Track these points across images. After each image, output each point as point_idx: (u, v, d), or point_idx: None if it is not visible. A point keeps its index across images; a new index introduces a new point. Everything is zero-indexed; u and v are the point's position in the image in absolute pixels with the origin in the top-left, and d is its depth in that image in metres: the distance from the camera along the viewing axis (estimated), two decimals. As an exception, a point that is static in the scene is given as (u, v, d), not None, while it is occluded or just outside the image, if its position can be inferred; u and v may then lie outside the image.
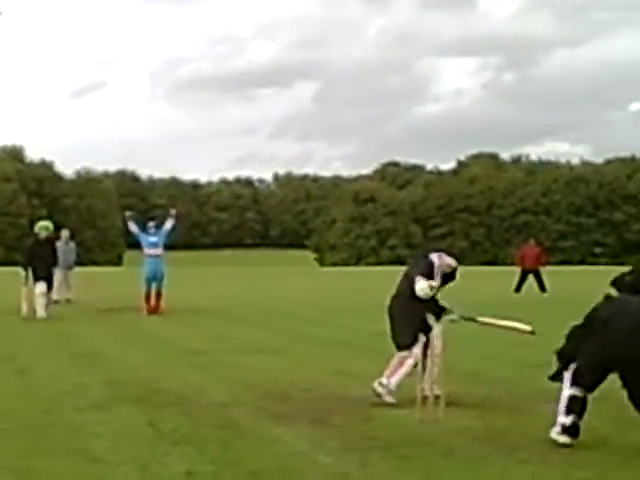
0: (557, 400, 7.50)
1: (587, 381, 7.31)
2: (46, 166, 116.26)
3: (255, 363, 12.49)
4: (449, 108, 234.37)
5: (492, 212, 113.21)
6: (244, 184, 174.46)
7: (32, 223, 22.88)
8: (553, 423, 7.39)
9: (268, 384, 10.50)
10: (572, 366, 7.40)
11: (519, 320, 9.94)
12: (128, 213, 22.93)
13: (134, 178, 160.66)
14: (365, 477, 6.43)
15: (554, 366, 7.72)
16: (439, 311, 9.55)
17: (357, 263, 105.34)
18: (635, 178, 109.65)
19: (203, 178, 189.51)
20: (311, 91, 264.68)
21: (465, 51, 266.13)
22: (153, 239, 21.74)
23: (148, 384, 10.51)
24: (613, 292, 7.62)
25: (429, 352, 9.05)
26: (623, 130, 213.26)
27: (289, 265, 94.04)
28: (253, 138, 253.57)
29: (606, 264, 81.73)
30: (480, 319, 9.67)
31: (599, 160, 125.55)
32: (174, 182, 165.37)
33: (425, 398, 8.55)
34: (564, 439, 7.26)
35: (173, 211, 22.49)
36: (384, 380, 9.24)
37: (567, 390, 7.38)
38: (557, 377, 7.80)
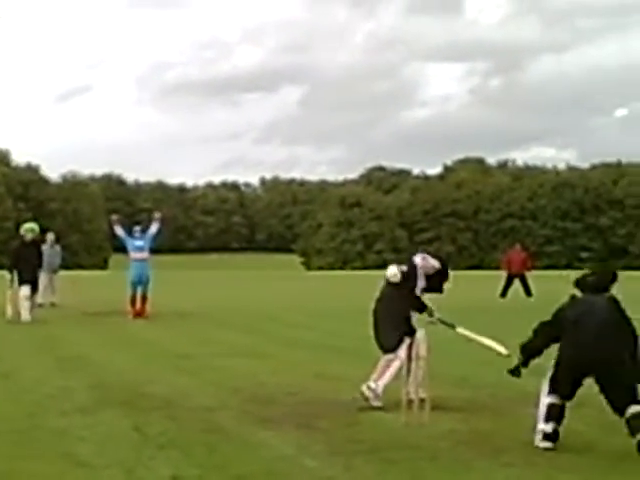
0: (536, 407, 7.57)
1: (563, 388, 7.40)
2: (32, 170, 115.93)
3: (241, 367, 12.48)
4: (436, 113, 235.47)
5: (478, 217, 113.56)
6: (230, 188, 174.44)
7: (18, 226, 22.77)
8: (535, 427, 7.44)
9: (254, 388, 10.50)
10: (548, 374, 7.52)
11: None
12: (114, 217, 22.90)
13: (120, 182, 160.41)
14: (350, 481, 6.44)
15: (515, 359, 7.84)
16: (422, 308, 9.71)
17: (343, 267, 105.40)
18: (621, 183, 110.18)
19: (189, 182, 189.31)
20: (297, 96, 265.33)
21: (452, 56, 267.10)
22: (139, 243, 21.69)
23: (134, 388, 10.48)
24: (577, 292, 7.74)
25: (414, 355, 9.06)
26: (609, 135, 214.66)
27: (275, 269, 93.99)
28: (239, 142, 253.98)
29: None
30: (460, 330, 9.72)
31: (585, 165, 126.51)
32: (160, 186, 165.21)
33: (410, 402, 8.57)
34: (545, 444, 7.33)
35: (158, 215, 22.46)
36: (372, 384, 9.26)
37: (545, 398, 7.48)
38: (516, 372, 7.89)
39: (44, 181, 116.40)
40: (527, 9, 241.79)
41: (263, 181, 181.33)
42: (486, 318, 20.12)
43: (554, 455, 7.14)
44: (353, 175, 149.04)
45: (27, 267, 19.94)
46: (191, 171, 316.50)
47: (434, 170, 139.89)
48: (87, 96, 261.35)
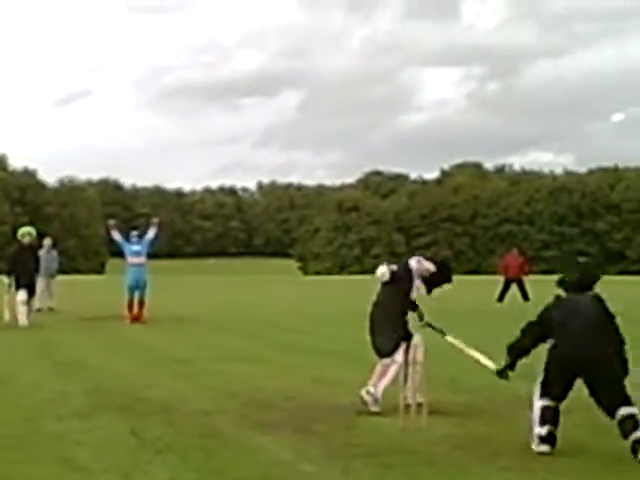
0: (530, 412, 7.59)
1: (555, 390, 7.44)
2: (29, 174, 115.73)
3: (238, 372, 12.48)
4: (433, 118, 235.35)
5: (476, 221, 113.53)
6: (228, 193, 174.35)
7: (15, 231, 22.77)
8: (531, 432, 7.46)
9: (251, 393, 10.51)
10: (538, 379, 7.57)
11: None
12: (111, 222, 22.88)
13: (117, 187, 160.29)
14: (348, 485, 6.45)
15: (503, 361, 7.87)
16: (414, 308, 9.78)
17: (340, 272, 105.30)
18: (618, 188, 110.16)
19: (187, 187, 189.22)
20: (296, 100, 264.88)
21: (449, 61, 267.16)
22: (136, 248, 21.69)
23: (131, 392, 10.49)
24: (561, 292, 7.80)
25: (411, 360, 9.07)
26: (606, 140, 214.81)
27: (273, 274, 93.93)
28: (237, 147, 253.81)
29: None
30: (449, 338, 9.70)
31: (582, 170, 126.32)
32: (158, 191, 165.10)
33: (408, 406, 8.59)
34: (543, 448, 7.35)
35: (156, 220, 22.47)
36: (371, 389, 9.27)
37: (537, 402, 7.51)
38: (504, 374, 7.93)
39: (41, 186, 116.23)
40: (524, 14, 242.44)
41: (260, 186, 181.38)
42: (483, 323, 20.17)
43: (550, 459, 7.16)
44: (350, 180, 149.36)
45: (24, 272, 19.94)
46: (189, 176, 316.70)
47: (431, 175, 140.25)
48: (85, 101, 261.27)
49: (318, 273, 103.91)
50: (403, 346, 9.23)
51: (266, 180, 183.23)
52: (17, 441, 7.76)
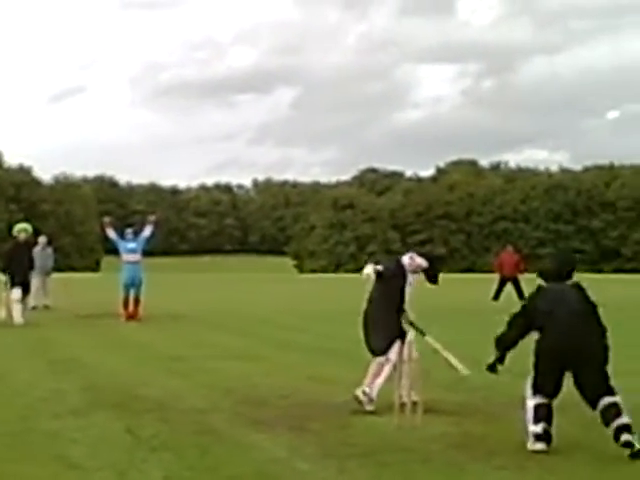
0: (523, 411, 7.60)
1: (547, 387, 7.46)
2: (24, 171, 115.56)
3: (234, 369, 12.48)
4: (428, 115, 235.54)
5: (471, 219, 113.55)
6: (223, 190, 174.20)
7: (10, 228, 22.73)
8: (526, 431, 7.47)
9: (246, 390, 10.51)
10: (529, 378, 7.57)
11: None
12: (106, 219, 22.82)
13: (113, 184, 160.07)
14: (343, 483, 6.45)
15: (492, 355, 7.88)
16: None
17: (336, 270, 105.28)
18: (613, 185, 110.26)
19: (182, 184, 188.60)
20: (291, 97, 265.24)
21: (444, 58, 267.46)
22: (131, 245, 21.64)
23: (126, 390, 10.48)
24: (541, 282, 7.85)
25: (405, 358, 9.05)
26: (601, 138, 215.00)
27: (268, 271, 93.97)
28: (233, 144, 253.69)
29: (584, 271, 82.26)
30: (429, 339, 9.61)
31: (577, 167, 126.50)
32: (153, 188, 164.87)
33: (403, 404, 8.59)
34: (539, 446, 7.36)
35: (152, 217, 22.42)
36: (366, 388, 9.25)
37: (530, 401, 7.53)
38: (494, 368, 7.94)
39: (36, 183, 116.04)
40: (519, 10, 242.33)
41: (256, 183, 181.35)
42: (479, 321, 20.16)
43: (546, 458, 7.17)
44: (346, 177, 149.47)
45: (19, 269, 19.91)
46: (184, 173, 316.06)
47: (427, 172, 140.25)
48: (80, 97, 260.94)
49: (314, 271, 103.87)
50: (398, 344, 9.22)
51: (261, 177, 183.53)
52: (12, 439, 7.75)
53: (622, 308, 24.70)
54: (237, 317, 22.58)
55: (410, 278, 9.56)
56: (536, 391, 7.51)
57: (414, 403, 8.56)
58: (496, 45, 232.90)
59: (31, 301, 21.81)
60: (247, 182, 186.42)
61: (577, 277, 7.91)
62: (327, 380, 11.33)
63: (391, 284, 9.45)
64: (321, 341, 16.69)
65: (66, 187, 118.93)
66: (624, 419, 7.20)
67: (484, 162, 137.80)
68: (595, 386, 7.32)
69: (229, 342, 16.51)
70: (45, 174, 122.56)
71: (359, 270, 10.76)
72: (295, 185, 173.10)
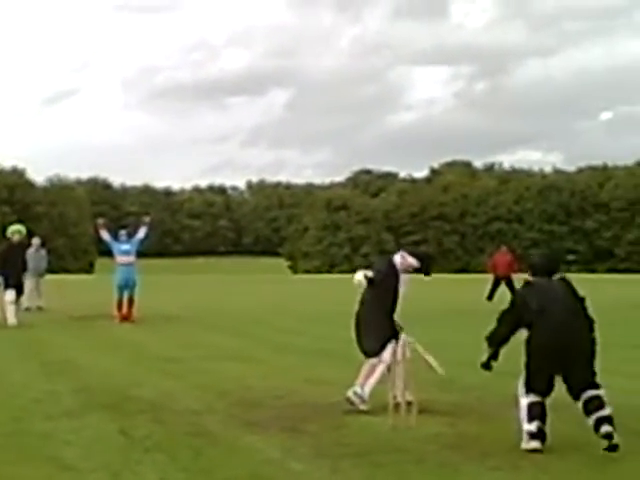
0: (517, 410, 7.61)
1: (539, 385, 7.47)
2: (18, 173, 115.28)
3: (228, 371, 12.47)
4: (422, 117, 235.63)
5: (465, 220, 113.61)
6: (217, 192, 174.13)
7: (4, 230, 22.68)
8: (521, 432, 7.47)
9: (241, 392, 10.49)
10: (521, 378, 7.58)
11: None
12: (100, 221, 22.78)
13: (106, 186, 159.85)
14: (337, 484, 6.44)
15: (485, 353, 7.88)
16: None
17: (330, 271, 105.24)
18: (606, 186, 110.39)
19: (176, 186, 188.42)
20: (284, 99, 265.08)
21: (438, 60, 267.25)
22: (125, 247, 21.61)
23: (120, 391, 10.47)
24: (528, 277, 7.89)
25: (399, 358, 9.03)
26: (594, 139, 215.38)
27: (262, 273, 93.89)
28: (226, 146, 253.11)
29: (578, 271, 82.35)
30: (407, 337, 9.55)
31: (571, 168, 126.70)
32: (147, 190, 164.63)
33: (397, 405, 8.58)
34: (533, 444, 7.35)
35: (147, 219, 22.38)
36: (358, 389, 9.24)
37: (523, 400, 7.53)
38: (488, 365, 7.94)
39: (30, 184, 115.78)
40: (513, 13, 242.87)
41: (250, 184, 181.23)
42: (473, 321, 20.16)
43: (540, 458, 7.16)
44: (339, 178, 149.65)
45: (13, 271, 19.89)
46: (178, 175, 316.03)
47: (421, 173, 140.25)
48: (74, 99, 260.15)
49: (307, 272, 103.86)
50: (391, 345, 9.19)
51: (255, 179, 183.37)
52: (5, 441, 7.73)
53: (616, 308, 24.76)
54: (231, 318, 22.56)
55: (402, 278, 9.55)
56: (529, 390, 7.52)
57: (409, 403, 8.56)
58: (490, 47, 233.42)
59: (24, 302, 21.76)
60: (241, 184, 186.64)
61: (570, 277, 7.93)
62: (322, 381, 11.33)
63: (383, 285, 9.42)
64: (315, 342, 16.68)
65: (60, 189, 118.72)
66: (606, 411, 7.26)
67: (478, 163, 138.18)
68: (581, 379, 7.37)
69: (223, 343, 16.50)
70: (39, 176, 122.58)
71: (353, 271, 10.73)
72: (289, 187, 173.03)
